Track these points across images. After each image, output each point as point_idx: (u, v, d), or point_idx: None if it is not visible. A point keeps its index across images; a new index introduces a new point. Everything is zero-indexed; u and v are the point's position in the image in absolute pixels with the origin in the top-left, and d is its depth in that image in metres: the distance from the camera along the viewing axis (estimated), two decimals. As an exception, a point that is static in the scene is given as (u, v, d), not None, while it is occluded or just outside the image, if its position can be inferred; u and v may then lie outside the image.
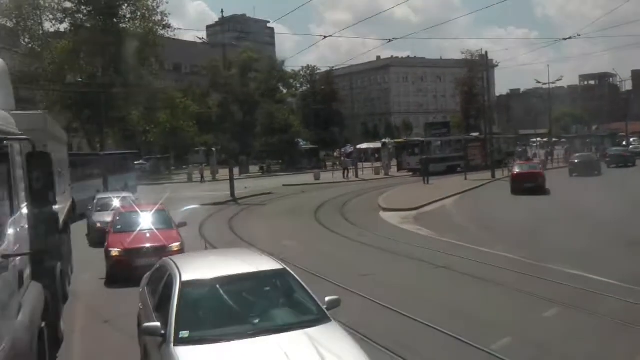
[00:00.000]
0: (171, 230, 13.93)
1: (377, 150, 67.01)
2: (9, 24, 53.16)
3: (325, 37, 74.35)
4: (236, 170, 59.63)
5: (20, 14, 52.53)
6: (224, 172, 58.71)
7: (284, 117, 66.35)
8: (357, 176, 47.45)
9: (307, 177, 47.80)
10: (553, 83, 62.89)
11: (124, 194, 20.91)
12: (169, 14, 71.57)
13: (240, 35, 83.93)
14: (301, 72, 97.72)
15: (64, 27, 56.46)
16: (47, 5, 53.57)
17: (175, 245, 13.01)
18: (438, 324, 8.79)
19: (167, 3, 73.30)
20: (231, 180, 35.24)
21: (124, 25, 58.61)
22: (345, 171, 48.24)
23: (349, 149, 62.21)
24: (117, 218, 14.78)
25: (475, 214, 23.47)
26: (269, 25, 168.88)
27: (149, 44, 57.76)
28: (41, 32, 54.91)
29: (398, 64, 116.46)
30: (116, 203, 19.60)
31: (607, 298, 9.96)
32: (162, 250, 12.59)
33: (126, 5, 58.05)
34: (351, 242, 17.40)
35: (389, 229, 19.79)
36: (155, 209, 14.94)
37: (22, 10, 52.33)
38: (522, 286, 11.02)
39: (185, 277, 6.40)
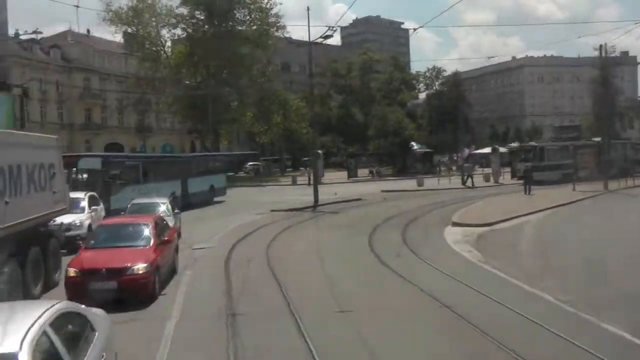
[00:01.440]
0: (146, 248, 12.33)
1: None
2: (129, 30, 55.90)
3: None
4: (344, 174, 58.52)
5: (140, 21, 55.03)
6: (333, 175, 57.59)
7: (397, 119, 63.64)
8: (464, 183, 43.78)
9: (412, 183, 45.02)
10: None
11: (161, 200, 19.86)
12: (283, 15, 71.19)
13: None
14: (427, 74, 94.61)
15: (177, 32, 58.53)
16: (163, 12, 55.75)
17: (140, 268, 11.42)
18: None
19: (281, 4, 73.64)
20: (315, 185, 33.71)
21: (240, 28, 59.51)
22: (468, 178, 43.45)
23: (465, 153, 58.27)
24: (95, 232, 13.59)
25: (553, 234, 19.85)
26: (402, 26, 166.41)
27: (262, 46, 58.12)
28: (159, 38, 57.22)
29: (533, 64, 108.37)
30: (155, 209, 18.73)
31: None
32: (122, 273, 11.31)
33: (240, 8, 58.88)
34: (377, 263, 14.97)
35: (435, 249, 17.02)
36: (140, 222, 13.52)
37: (141, 18, 54.78)
38: (531, 348, 8.12)
39: None
